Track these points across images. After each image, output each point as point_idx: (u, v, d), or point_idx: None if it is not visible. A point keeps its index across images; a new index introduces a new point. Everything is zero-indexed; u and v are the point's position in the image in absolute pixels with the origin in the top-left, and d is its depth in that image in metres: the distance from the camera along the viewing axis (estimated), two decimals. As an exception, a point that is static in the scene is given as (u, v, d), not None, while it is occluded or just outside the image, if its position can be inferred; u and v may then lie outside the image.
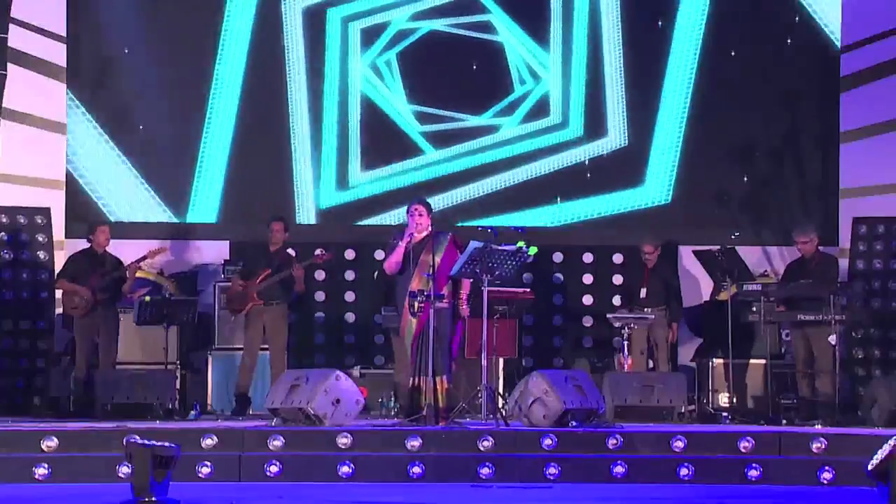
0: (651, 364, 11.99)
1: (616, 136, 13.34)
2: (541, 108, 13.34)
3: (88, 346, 11.65)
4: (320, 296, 13.12)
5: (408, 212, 10.36)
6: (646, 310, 11.84)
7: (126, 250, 12.01)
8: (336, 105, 13.29)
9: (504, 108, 13.33)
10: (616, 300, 12.85)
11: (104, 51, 13.09)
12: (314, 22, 13.31)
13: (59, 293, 12.14)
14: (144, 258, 11.76)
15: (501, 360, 11.70)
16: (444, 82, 13.37)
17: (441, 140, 13.34)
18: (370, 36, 13.35)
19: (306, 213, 13.25)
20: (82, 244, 11.93)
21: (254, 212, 12.83)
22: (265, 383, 11.67)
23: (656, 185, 13.29)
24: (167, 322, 11.44)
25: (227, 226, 13.07)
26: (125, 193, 13.07)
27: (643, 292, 12.04)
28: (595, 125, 13.32)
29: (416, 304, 9.95)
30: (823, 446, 9.29)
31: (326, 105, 13.28)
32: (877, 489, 7.21)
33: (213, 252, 13.01)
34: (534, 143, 13.33)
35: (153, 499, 7.31)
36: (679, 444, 9.34)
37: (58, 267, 12.19)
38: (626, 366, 11.61)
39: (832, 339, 10.88)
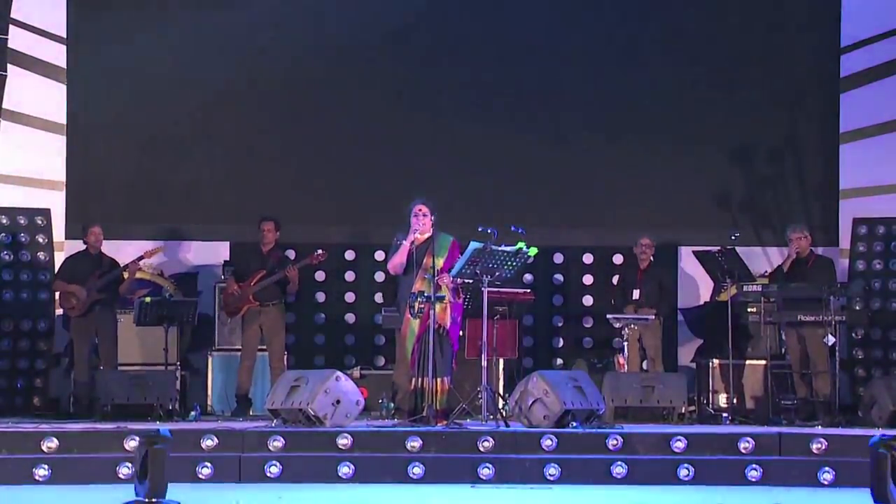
0: (645, 366, 11.99)
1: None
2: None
3: (86, 347, 11.66)
4: (320, 296, 13.10)
5: (411, 212, 10.33)
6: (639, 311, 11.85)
7: (125, 251, 12.02)
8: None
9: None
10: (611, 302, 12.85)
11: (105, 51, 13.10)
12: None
13: (56, 294, 12.13)
14: (142, 258, 11.77)
15: (501, 361, 11.69)
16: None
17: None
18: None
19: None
20: (82, 245, 11.91)
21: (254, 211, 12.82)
22: (265, 384, 11.67)
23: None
24: (167, 322, 11.44)
25: (226, 226, 13.04)
26: (125, 194, 13.05)
27: (636, 293, 12.03)
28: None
29: (417, 306, 9.95)
30: (823, 447, 9.30)
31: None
32: None
33: (213, 252, 13.00)
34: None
35: (153, 499, 7.30)
36: (679, 445, 9.34)
37: (57, 268, 12.17)
38: (625, 366, 11.61)
39: (829, 339, 10.87)
